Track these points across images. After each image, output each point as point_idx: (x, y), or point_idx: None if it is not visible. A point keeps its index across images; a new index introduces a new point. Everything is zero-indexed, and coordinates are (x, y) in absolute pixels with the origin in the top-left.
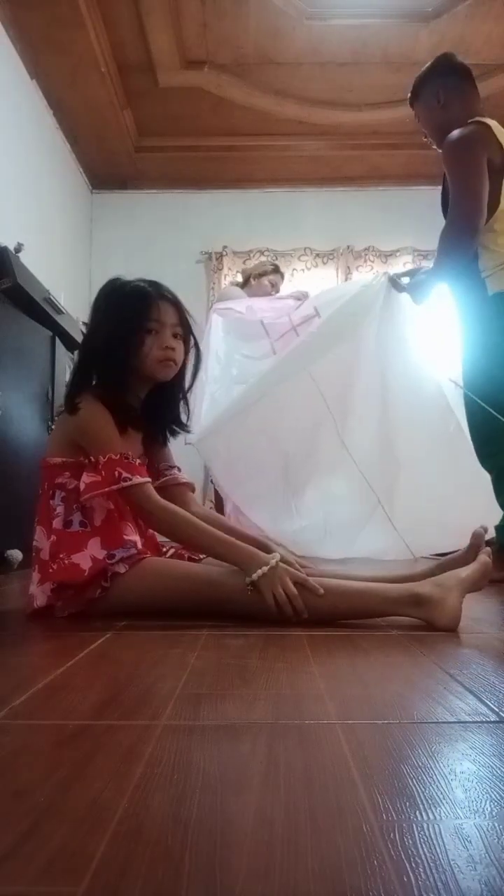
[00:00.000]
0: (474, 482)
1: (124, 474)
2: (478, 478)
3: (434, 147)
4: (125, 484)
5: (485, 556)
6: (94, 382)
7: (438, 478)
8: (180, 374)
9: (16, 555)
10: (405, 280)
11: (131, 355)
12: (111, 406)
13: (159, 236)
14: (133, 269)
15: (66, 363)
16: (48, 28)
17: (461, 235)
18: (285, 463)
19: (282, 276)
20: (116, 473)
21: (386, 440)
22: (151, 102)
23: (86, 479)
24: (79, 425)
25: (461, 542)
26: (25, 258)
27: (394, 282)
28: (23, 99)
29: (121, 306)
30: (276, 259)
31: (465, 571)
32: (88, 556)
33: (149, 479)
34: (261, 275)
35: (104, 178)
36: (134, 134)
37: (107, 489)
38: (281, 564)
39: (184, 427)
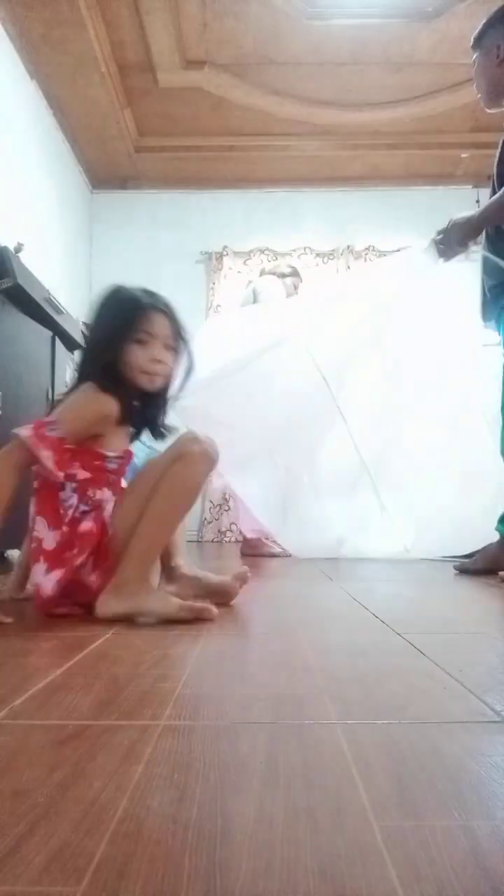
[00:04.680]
0: (481, 480)
1: (43, 430)
2: (485, 477)
3: (480, 99)
4: (22, 431)
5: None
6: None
7: (443, 473)
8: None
9: (16, 555)
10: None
11: (119, 362)
12: (120, 399)
13: (159, 236)
14: (133, 269)
15: (66, 363)
16: (48, 28)
17: None
18: (273, 428)
19: (301, 279)
20: (39, 423)
21: (390, 421)
22: (151, 102)
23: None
24: (72, 399)
25: (458, 545)
26: (25, 258)
27: (434, 246)
28: (23, 99)
29: (114, 313)
30: (276, 258)
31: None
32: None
33: (28, 437)
34: (284, 275)
35: (104, 178)
36: (134, 134)
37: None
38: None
39: (159, 430)
